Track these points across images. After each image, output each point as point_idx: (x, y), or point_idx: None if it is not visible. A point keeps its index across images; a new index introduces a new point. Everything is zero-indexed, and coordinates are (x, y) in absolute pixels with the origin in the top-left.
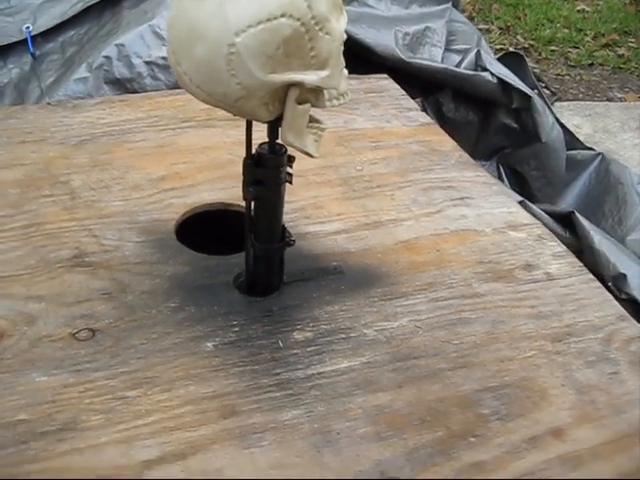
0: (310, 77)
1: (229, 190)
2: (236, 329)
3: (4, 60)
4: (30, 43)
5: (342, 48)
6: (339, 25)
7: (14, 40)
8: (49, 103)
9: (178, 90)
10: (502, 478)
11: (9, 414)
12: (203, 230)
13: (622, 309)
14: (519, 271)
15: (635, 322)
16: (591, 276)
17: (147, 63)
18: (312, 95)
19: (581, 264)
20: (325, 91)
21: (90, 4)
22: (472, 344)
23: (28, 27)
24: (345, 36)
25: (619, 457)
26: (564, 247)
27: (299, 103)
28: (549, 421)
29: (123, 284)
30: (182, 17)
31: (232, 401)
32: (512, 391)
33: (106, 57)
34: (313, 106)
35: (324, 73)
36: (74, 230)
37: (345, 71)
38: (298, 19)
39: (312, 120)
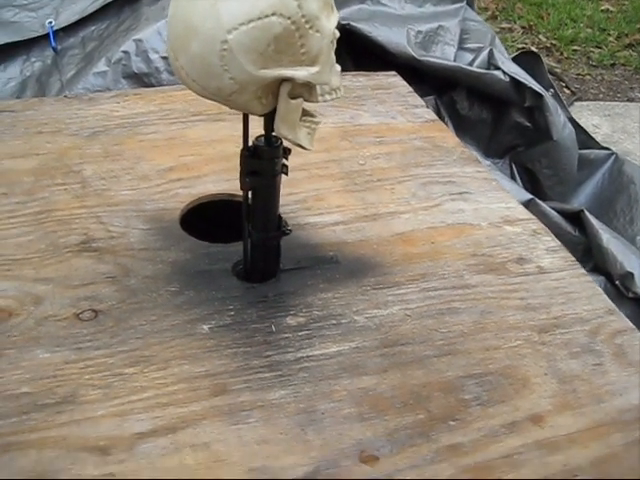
0: (300, 73)
1: (234, 182)
2: (232, 313)
3: (27, 54)
4: (52, 38)
5: (334, 45)
6: (329, 23)
7: (37, 35)
8: (66, 96)
9: None
10: (481, 460)
11: (13, 387)
12: (209, 220)
13: (612, 303)
14: (511, 264)
15: (623, 316)
16: (583, 270)
17: (164, 58)
18: (304, 90)
19: (574, 259)
20: (318, 86)
21: (110, 0)
22: (459, 333)
23: (50, 22)
24: (337, 34)
25: (594, 444)
26: (558, 242)
27: (292, 98)
28: (529, 408)
29: (127, 269)
30: (179, 15)
31: (223, 380)
32: (495, 378)
33: (125, 52)
34: (306, 101)
35: (314, 69)
36: (83, 217)
37: (337, 67)
38: (288, 17)
39: (306, 114)
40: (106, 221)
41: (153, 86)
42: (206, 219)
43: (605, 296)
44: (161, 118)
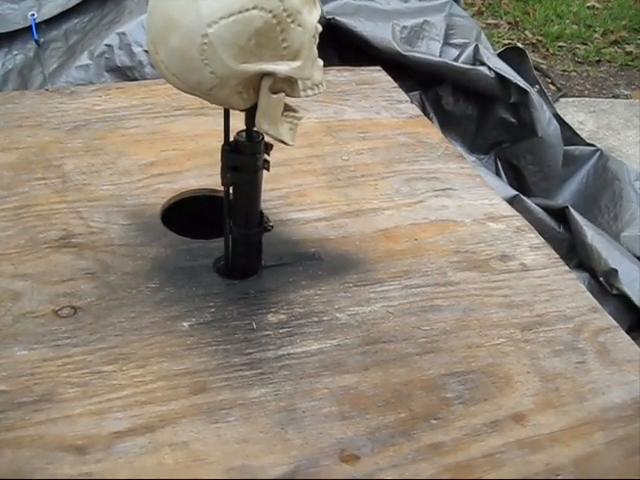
0: (282, 67)
1: (216, 177)
2: (212, 310)
3: (9, 47)
4: (34, 30)
5: (316, 40)
6: (311, 17)
7: (19, 27)
8: (47, 89)
9: None
10: (462, 459)
11: None
12: (190, 215)
13: (595, 301)
14: (495, 261)
15: (607, 314)
16: (566, 268)
17: (147, 52)
18: (286, 85)
19: (557, 256)
20: (300, 81)
21: None
22: (442, 330)
23: (33, 15)
24: (320, 28)
25: (577, 442)
26: (542, 239)
27: (274, 92)
28: (511, 406)
29: (107, 265)
30: (159, 7)
31: (203, 378)
32: (477, 376)
33: (108, 45)
34: (288, 96)
35: (296, 64)
36: (63, 212)
37: (320, 62)
38: (270, 11)
39: (288, 109)
40: (86, 216)
41: (136, 79)
42: (187, 214)
43: (589, 294)
44: (143, 112)
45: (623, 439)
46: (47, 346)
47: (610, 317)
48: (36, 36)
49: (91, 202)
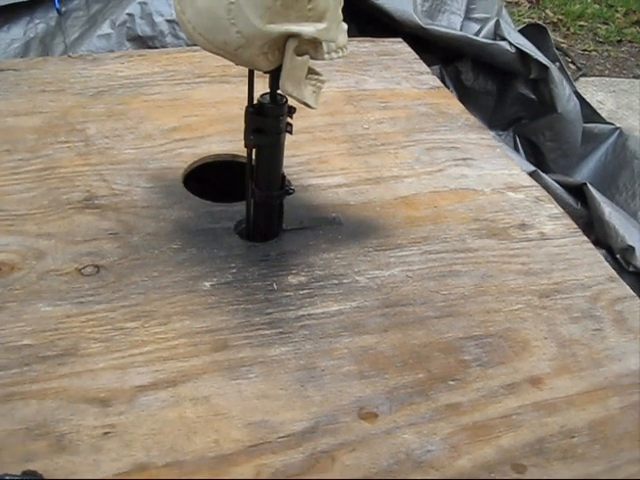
0: (307, 29)
1: (238, 143)
2: (233, 271)
3: (31, 15)
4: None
5: (341, 3)
6: None
7: None
8: (70, 56)
9: (196, 47)
10: (479, 419)
11: (15, 339)
12: (211, 180)
13: (612, 271)
14: (513, 230)
15: (624, 283)
16: (584, 238)
17: (169, 22)
18: (311, 47)
19: (576, 226)
20: (324, 44)
21: None
22: (460, 295)
23: None
24: None
25: (592, 407)
26: (561, 209)
27: (298, 54)
28: (528, 370)
29: (129, 226)
30: None
31: (224, 336)
32: (495, 340)
33: (129, 14)
34: (312, 58)
35: (321, 26)
36: (87, 174)
37: (344, 25)
38: None
39: (312, 72)
40: (109, 179)
41: (157, 49)
42: (207, 183)
43: (606, 263)
44: (165, 79)
45: (638, 404)
46: (71, 303)
47: (627, 287)
48: (58, 5)
49: (114, 165)
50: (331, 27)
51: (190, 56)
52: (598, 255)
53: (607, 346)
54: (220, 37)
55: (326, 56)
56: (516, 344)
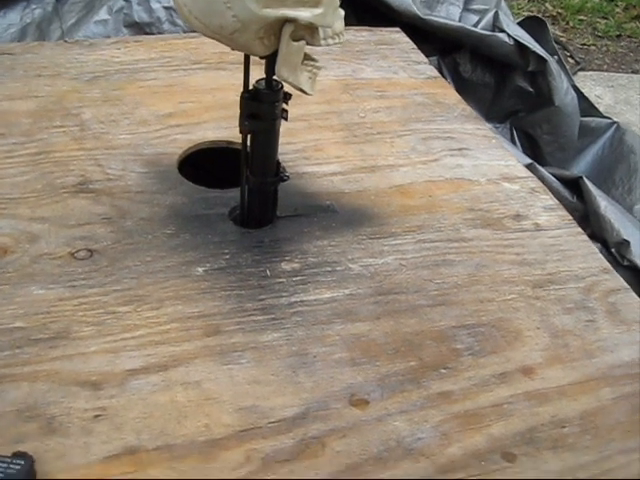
0: (303, 14)
1: (233, 129)
2: (227, 257)
3: (27, 1)
4: None
5: None
6: None
7: None
8: (66, 41)
9: (192, 33)
10: (470, 407)
11: (6, 321)
12: (206, 167)
13: (607, 263)
14: (508, 220)
15: (617, 275)
16: (579, 229)
17: (166, 8)
18: (307, 32)
19: (570, 218)
20: (320, 29)
21: None
22: (453, 284)
23: None
24: None
25: (584, 397)
26: (556, 201)
27: (294, 40)
28: (520, 360)
29: (123, 210)
30: None
31: (216, 321)
32: (487, 330)
33: (126, 0)
34: (308, 44)
35: (317, 11)
36: (81, 159)
37: (341, 11)
38: None
39: (308, 58)
40: (104, 164)
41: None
42: (202, 169)
43: (600, 255)
44: (161, 65)
45: (630, 395)
46: (63, 286)
47: (621, 278)
48: None
49: (109, 150)
50: (327, 12)
51: (187, 42)
52: (592, 247)
53: (600, 337)
54: (216, 21)
55: (322, 42)
56: (508, 334)
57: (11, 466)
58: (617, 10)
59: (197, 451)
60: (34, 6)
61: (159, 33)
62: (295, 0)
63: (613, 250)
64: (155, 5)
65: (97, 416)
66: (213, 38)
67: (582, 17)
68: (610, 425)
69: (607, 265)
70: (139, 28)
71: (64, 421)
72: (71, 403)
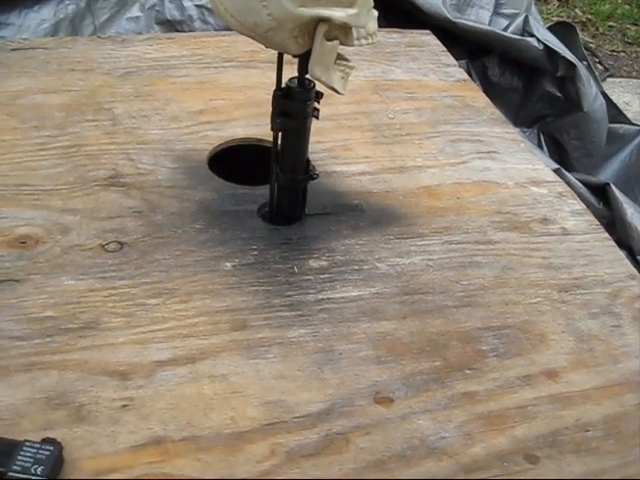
0: (338, 14)
1: (263, 127)
2: (255, 253)
3: None
4: None
5: None
6: None
7: None
8: (99, 36)
9: (224, 31)
10: (494, 409)
11: (37, 310)
12: (236, 163)
13: (633, 269)
14: (535, 224)
15: None
16: (606, 235)
17: (198, 7)
18: (341, 32)
19: (598, 223)
20: (354, 29)
21: None
22: (479, 286)
23: None
24: None
25: (608, 402)
26: (583, 206)
27: (328, 39)
28: (545, 363)
29: (153, 204)
30: None
31: (244, 316)
32: (513, 332)
33: None
34: (342, 44)
35: (352, 11)
36: (113, 153)
37: (374, 12)
38: None
39: (341, 58)
40: (135, 158)
41: None
42: (232, 166)
43: (627, 261)
44: (193, 62)
45: None
46: (93, 277)
47: None
48: None
49: (140, 145)
50: (361, 13)
51: (218, 40)
52: (619, 252)
53: (625, 343)
54: (251, 19)
55: (355, 42)
56: (534, 337)
57: (40, 452)
58: None
59: (222, 443)
60: (67, 2)
61: (190, 31)
62: (330, 0)
63: (639, 257)
64: (187, 3)
65: (124, 406)
66: (248, 36)
67: (612, 23)
68: (633, 430)
69: (634, 271)
70: (170, 26)
71: (92, 410)
72: (99, 392)
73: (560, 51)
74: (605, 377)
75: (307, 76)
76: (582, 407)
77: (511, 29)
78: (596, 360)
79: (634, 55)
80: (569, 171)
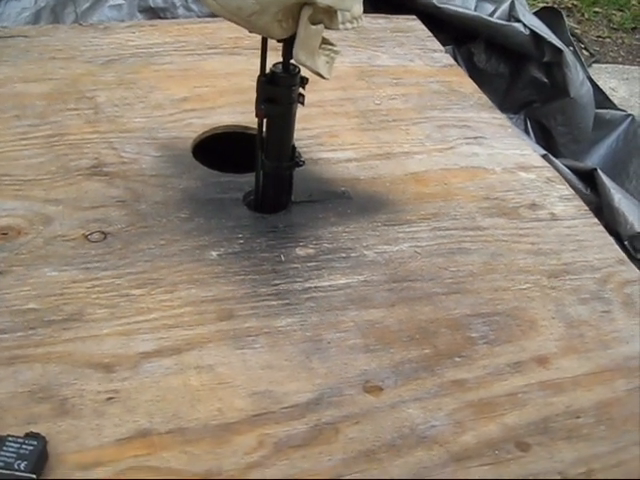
0: None
1: (248, 114)
2: (241, 241)
3: None
4: None
5: None
6: None
7: None
8: (80, 24)
9: (208, 18)
10: (485, 396)
11: (20, 302)
12: (221, 151)
13: (623, 254)
14: (524, 209)
15: (634, 267)
16: (595, 220)
17: None
18: (325, 16)
19: (587, 208)
20: (339, 13)
21: None
22: (468, 272)
23: None
24: None
25: (599, 388)
26: (572, 191)
27: (312, 23)
28: (535, 349)
29: (137, 193)
30: None
31: (230, 306)
32: (502, 319)
33: None
34: (326, 28)
35: None
36: (95, 142)
37: None
38: None
39: (326, 42)
40: (118, 147)
41: None
42: (216, 154)
43: (616, 246)
44: (176, 49)
45: None
46: (77, 268)
47: (637, 270)
48: None
49: (123, 133)
50: None
51: (202, 27)
52: (608, 237)
53: (615, 328)
54: (234, 2)
55: (341, 26)
56: (523, 323)
57: (24, 447)
58: (633, 2)
59: (210, 435)
60: None
61: (174, 18)
62: None
63: (626, 243)
64: None
65: (110, 398)
66: (231, 20)
67: (597, 9)
68: (625, 416)
69: (623, 256)
70: (153, 13)
71: (77, 403)
72: (84, 385)
73: (546, 36)
74: (596, 363)
75: (292, 61)
76: (573, 393)
77: (497, 14)
78: (586, 346)
79: (619, 41)
80: (556, 157)
